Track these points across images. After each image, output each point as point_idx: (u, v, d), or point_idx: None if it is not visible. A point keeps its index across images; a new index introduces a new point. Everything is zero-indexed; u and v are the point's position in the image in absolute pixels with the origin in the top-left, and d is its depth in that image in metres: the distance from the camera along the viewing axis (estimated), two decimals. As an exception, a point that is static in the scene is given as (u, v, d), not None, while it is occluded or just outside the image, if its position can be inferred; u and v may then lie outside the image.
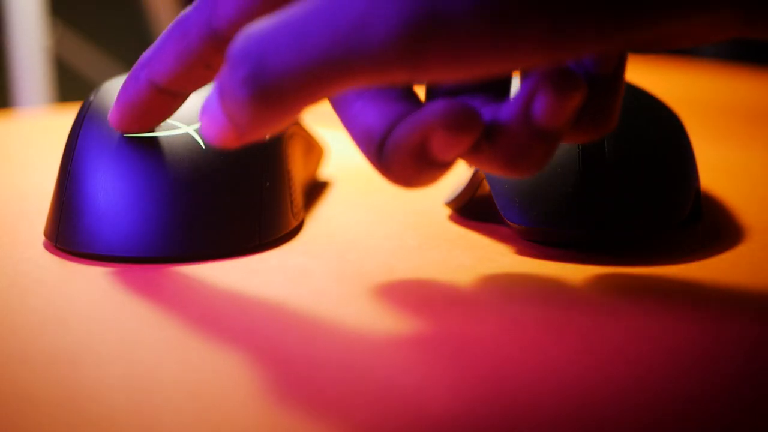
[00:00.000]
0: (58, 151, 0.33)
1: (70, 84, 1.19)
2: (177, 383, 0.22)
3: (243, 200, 0.32)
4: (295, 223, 0.34)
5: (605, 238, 0.31)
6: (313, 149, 0.41)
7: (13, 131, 0.58)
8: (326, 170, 0.44)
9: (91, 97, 0.34)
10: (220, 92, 0.24)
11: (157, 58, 0.29)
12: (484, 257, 0.31)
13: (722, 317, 0.26)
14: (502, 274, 0.30)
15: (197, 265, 0.31)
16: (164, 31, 0.29)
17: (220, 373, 0.23)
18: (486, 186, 0.33)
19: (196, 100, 0.34)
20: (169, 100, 0.30)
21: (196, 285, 0.29)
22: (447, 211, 0.37)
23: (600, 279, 0.29)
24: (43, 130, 0.57)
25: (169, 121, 0.32)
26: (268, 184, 0.33)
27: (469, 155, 0.25)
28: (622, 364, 0.23)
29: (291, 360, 0.24)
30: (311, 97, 0.23)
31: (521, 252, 0.32)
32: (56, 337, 0.25)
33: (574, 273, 0.30)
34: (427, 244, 0.33)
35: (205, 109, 0.25)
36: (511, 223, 0.32)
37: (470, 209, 0.36)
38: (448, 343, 0.25)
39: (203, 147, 0.32)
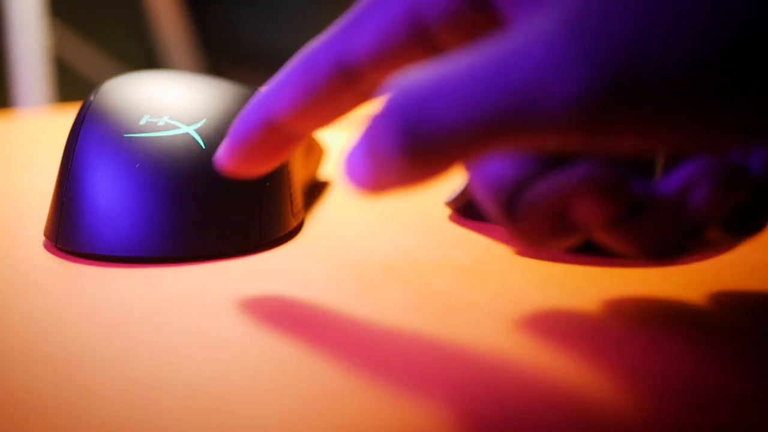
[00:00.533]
0: (58, 151, 0.33)
1: (70, 84, 1.19)
2: (177, 384, 0.22)
3: (243, 200, 0.32)
4: (295, 223, 0.34)
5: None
6: (313, 149, 0.41)
7: (13, 131, 0.58)
8: (326, 170, 0.44)
9: (91, 97, 0.34)
10: (369, 140, 0.23)
11: (278, 94, 0.26)
12: (484, 257, 0.31)
13: (722, 317, 0.26)
14: (502, 274, 0.30)
15: (197, 265, 0.31)
16: (287, 67, 0.26)
17: (219, 373, 0.23)
18: None
19: (197, 100, 0.34)
20: (286, 140, 0.27)
21: (196, 285, 0.29)
22: (447, 211, 0.37)
23: (600, 279, 0.29)
24: (43, 130, 0.57)
25: (169, 121, 0.32)
26: (268, 184, 0.33)
27: (607, 229, 0.23)
28: (622, 365, 0.23)
29: (290, 360, 0.24)
30: (465, 156, 0.22)
31: (521, 252, 0.32)
32: (56, 337, 0.25)
33: (574, 273, 0.30)
34: (427, 244, 0.33)
35: (351, 155, 0.24)
36: None
37: (470, 209, 0.36)
38: (447, 344, 0.25)
39: (203, 147, 0.32)
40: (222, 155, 0.28)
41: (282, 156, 0.28)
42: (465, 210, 0.36)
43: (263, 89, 0.27)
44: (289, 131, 0.27)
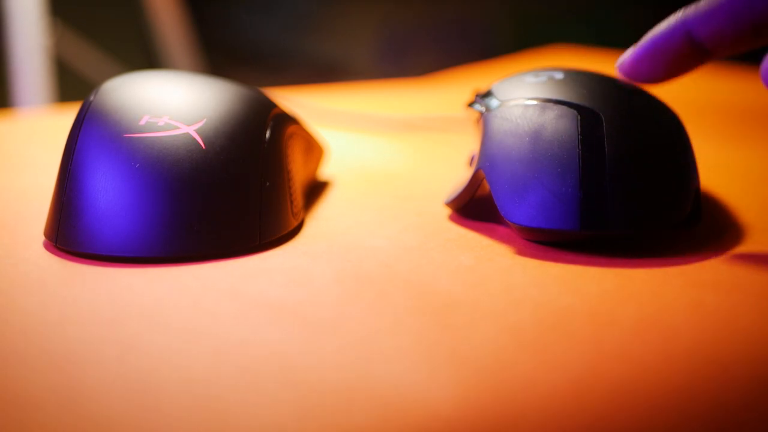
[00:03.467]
0: (58, 151, 0.33)
1: (70, 84, 1.19)
2: (176, 384, 0.22)
3: (243, 200, 0.32)
4: (295, 223, 0.34)
5: (605, 238, 0.31)
6: (313, 149, 0.41)
7: (13, 131, 0.58)
8: (326, 170, 0.44)
9: (91, 97, 0.34)
10: None
11: (708, 16, 0.30)
12: (484, 257, 0.31)
13: (722, 317, 0.26)
14: (502, 274, 0.30)
15: (197, 265, 0.31)
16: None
17: (219, 373, 0.23)
18: (486, 186, 0.33)
19: (197, 100, 0.34)
20: (699, 57, 0.31)
21: (196, 285, 0.29)
22: (447, 211, 0.37)
23: (599, 279, 0.29)
24: (43, 130, 0.57)
25: (169, 121, 0.32)
26: (268, 184, 0.33)
27: None
28: (621, 365, 0.23)
29: (290, 361, 0.24)
30: None
31: (521, 252, 0.32)
32: (56, 336, 0.25)
33: (574, 273, 0.30)
34: (427, 244, 0.33)
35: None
36: (510, 223, 0.32)
37: (470, 209, 0.36)
38: (447, 344, 0.25)
39: (203, 147, 0.32)
40: (631, 64, 0.32)
41: (690, 70, 0.32)
42: (465, 210, 0.36)
43: (689, 9, 0.31)
44: (707, 50, 0.31)
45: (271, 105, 0.36)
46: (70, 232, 0.31)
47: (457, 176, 0.40)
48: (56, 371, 0.23)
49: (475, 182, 0.34)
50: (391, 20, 1.83)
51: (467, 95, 0.39)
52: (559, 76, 0.35)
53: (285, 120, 0.36)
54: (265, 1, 1.86)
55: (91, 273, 0.30)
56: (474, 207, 0.35)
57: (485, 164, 0.33)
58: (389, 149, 0.51)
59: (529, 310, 0.27)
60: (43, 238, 0.33)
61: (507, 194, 0.32)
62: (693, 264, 0.30)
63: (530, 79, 0.35)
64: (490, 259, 0.31)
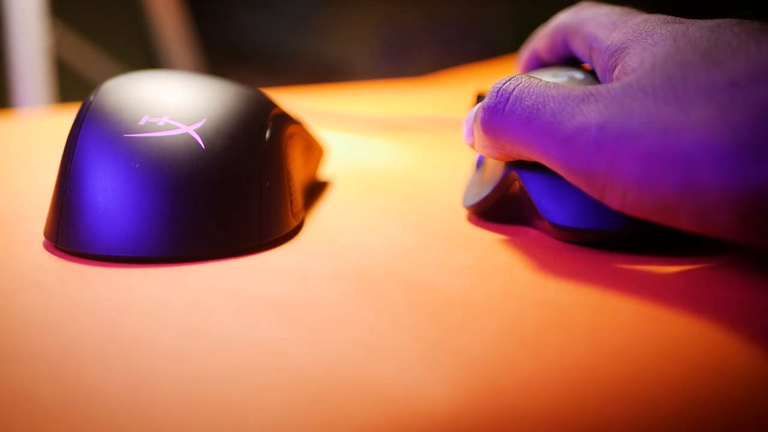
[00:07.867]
0: (58, 151, 0.33)
1: (70, 84, 1.19)
2: (176, 384, 0.22)
3: (243, 200, 0.32)
4: (295, 223, 0.34)
5: (639, 236, 0.31)
6: (313, 149, 0.41)
7: (13, 131, 0.58)
8: (326, 170, 0.44)
9: (91, 97, 0.34)
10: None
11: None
12: (485, 257, 0.31)
13: (722, 315, 0.26)
14: (502, 273, 0.30)
15: (197, 265, 0.31)
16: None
17: (219, 373, 0.23)
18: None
19: (197, 100, 0.34)
20: None
21: (196, 285, 0.29)
22: (447, 211, 0.37)
23: (599, 277, 0.29)
24: (43, 130, 0.57)
25: (169, 121, 0.32)
26: (268, 184, 0.33)
27: None
28: (622, 364, 0.23)
29: (290, 360, 0.24)
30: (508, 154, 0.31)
31: (520, 251, 0.32)
32: (56, 337, 0.25)
33: (574, 271, 0.30)
34: (427, 244, 0.33)
35: (467, 119, 0.34)
36: (553, 225, 0.31)
37: (491, 212, 0.35)
38: (446, 342, 0.25)
39: (203, 147, 0.32)
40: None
41: None
42: (464, 210, 0.36)
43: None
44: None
45: (271, 105, 0.36)
46: (70, 232, 0.31)
47: (464, 177, 0.40)
48: (56, 371, 0.23)
49: (505, 184, 0.34)
50: (391, 20, 1.83)
51: (467, 95, 0.39)
52: (580, 76, 0.35)
53: (285, 120, 0.36)
54: (265, 1, 1.86)
55: (91, 273, 0.30)
56: (495, 210, 0.35)
57: (519, 166, 0.32)
58: (389, 149, 0.51)
59: (528, 309, 0.27)
60: (43, 238, 0.33)
61: (548, 196, 0.32)
62: (693, 262, 0.30)
63: (549, 78, 0.35)
64: (489, 258, 0.31)
